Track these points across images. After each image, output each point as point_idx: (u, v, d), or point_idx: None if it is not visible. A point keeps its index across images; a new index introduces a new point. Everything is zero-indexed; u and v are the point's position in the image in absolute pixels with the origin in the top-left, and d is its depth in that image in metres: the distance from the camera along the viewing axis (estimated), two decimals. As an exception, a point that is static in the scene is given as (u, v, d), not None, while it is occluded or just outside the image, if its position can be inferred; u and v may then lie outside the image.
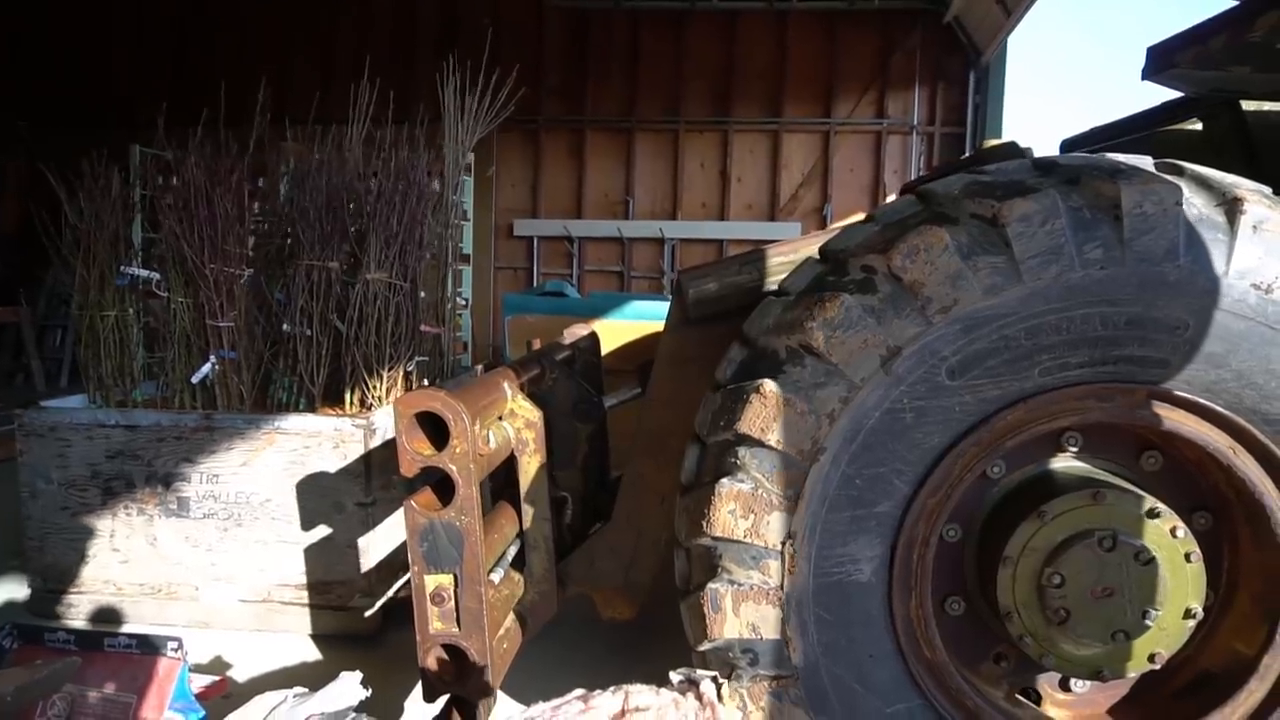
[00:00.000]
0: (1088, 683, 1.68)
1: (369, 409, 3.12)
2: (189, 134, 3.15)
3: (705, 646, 1.60)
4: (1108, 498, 1.54)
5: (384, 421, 2.95)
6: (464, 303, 4.08)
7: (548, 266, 8.20)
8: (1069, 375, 1.51)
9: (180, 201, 3.01)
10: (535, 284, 7.89)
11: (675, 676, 1.38)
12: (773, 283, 2.12)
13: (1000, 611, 1.57)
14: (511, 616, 2.06)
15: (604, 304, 5.64)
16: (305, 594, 2.87)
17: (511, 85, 3.63)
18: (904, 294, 1.48)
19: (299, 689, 1.70)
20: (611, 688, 1.32)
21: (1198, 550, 1.55)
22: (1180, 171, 1.52)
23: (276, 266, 3.34)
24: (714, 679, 1.34)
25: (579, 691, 1.32)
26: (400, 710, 2.37)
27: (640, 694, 1.28)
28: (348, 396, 3.16)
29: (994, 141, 3.45)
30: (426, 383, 3.47)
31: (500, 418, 2.03)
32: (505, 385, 2.06)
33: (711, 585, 1.55)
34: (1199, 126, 2.21)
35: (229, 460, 2.88)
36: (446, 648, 1.84)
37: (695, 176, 7.96)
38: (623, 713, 1.25)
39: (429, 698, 1.85)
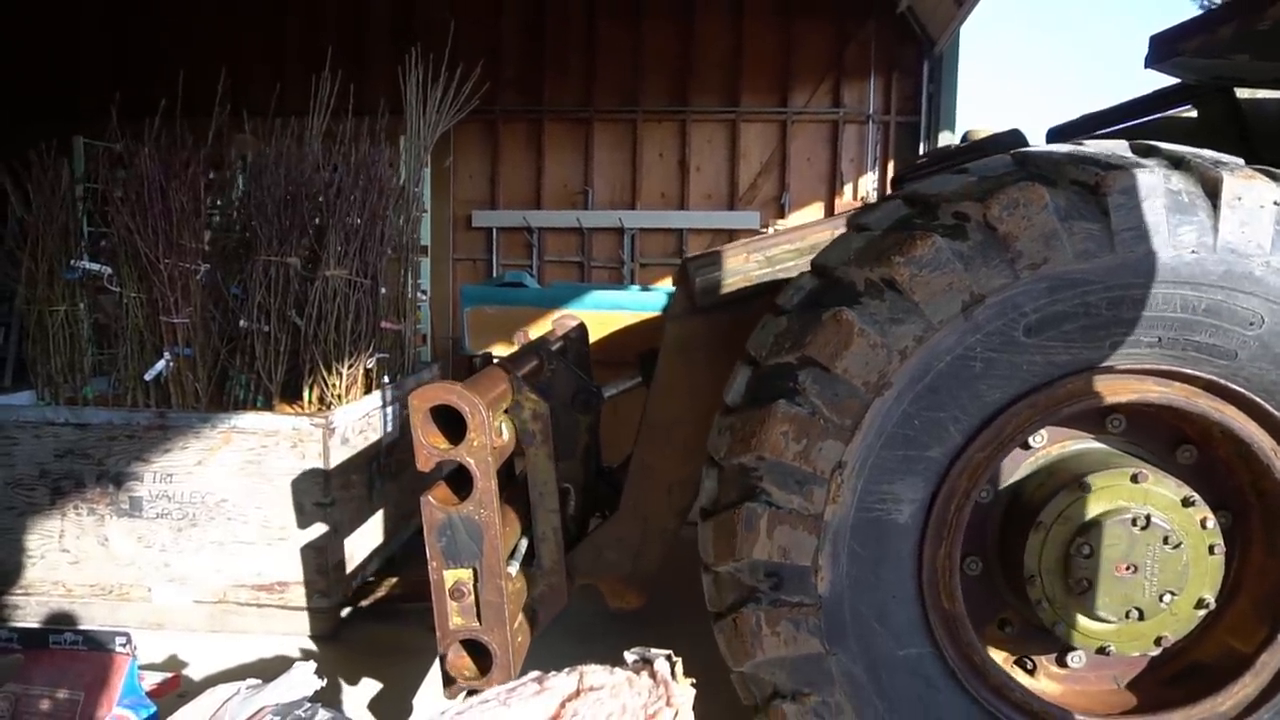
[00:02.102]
0: (1083, 659, 1.70)
1: (328, 407, 3.07)
2: (139, 125, 3.08)
3: (726, 566, 1.58)
4: (1148, 479, 1.57)
5: (343, 420, 2.91)
6: (424, 296, 4.04)
7: (507, 257, 8.15)
8: (1137, 353, 1.52)
9: (133, 194, 2.94)
10: (495, 275, 7.84)
11: (630, 656, 1.37)
12: (780, 271, 2.12)
13: (1023, 574, 1.59)
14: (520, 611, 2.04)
15: (565, 294, 5.63)
16: (262, 595, 2.81)
17: (472, 78, 3.60)
18: (996, 244, 1.48)
19: (252, 681, 1.67)
20: (566, 669, 1.31)
21: (1222, 544, 1.58)
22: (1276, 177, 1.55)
23: (234, 262, 3.28)
24: (668, 657, 1.34)
25: (534, 674, 1.31)
26: (357, 705, 2.34)
27: (595, 674, 1.27)
28: (306, 394, 3.12)
29: (981, 130, 3.48)
30: (387, 380, 3.43)
31: (505, 410, 2.01)
32: (510, 377, 2.04)
33: (749, 504, 1.54)
34: (1193, 114, 2.23)
35: (183, 459, 2.82)
36: (466, 642, 1.81)
37: (654, 166, 7.98)
38: (577, 693, 1.25)
39: (450, 694, 1.83)
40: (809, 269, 1.71)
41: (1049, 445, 1.67)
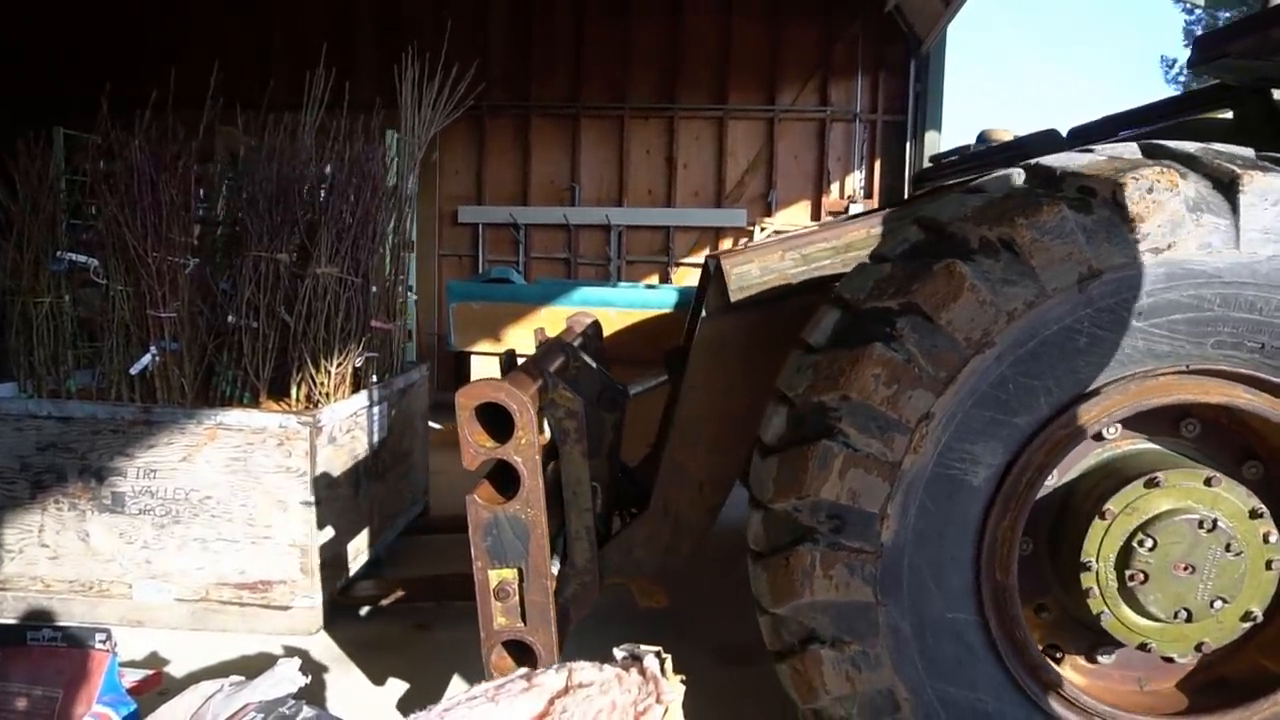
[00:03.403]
0: (1112, 656, 1.69)
1: (316, 405, 3.05)
2: (126, 119, 3.05)
3: (786, 503, 1.56)
4: (1221, 484, 1.57)
5: (331, 418, 2.88)
6: (413, 296, 4.02)
7: (493, 254, 8.13)
8: (1237, 356, 1.52)
9: (122, 187, 2.91)
10: (481, 271, 7.81)
11: (619, 652, 1.35)
12: (815, 269, 2.12)
13: (1078, 560, 1.58)
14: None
15: (551, 291, 5.62)
16: (245, 593, 2.78)
17: (465, 76, 3.59)
18: (1121, 223, 1.47)
19: (235, 677, 1.65)
20: (555, 665, 1.29)
21: None
22: None
23: (223, 256, 3.25)
24: (658, 654, 1.32)
25: (522, 670, 1.29)
26: (341, 703, 2.31)
27: (583, 670, 1.26)
28: (294, 392, 3.09)
29: (998, 131, 3.48)
30: (375, 379, 3.41)
31: (540, 407, 2.00)
32: (544, 375, 2.03)
33: (825, 442, 1.52)
34: (1228, 115, 2.23)
35: (168, 455, 2.78)
36: (509, 643, 1.79)
37: (641, 163, 7.98)
38: (566, 690, 1.23)
39: None
40: (914, 223, 1.69)
41: (1120, 439, 1.67)
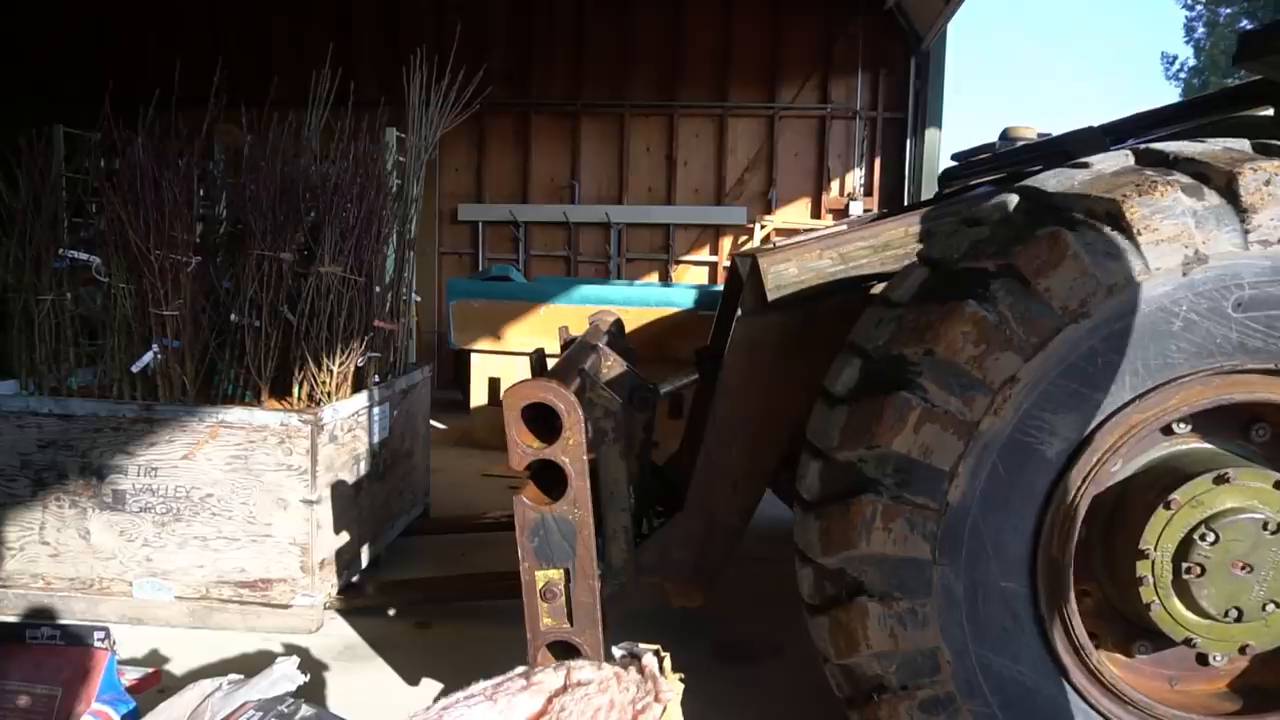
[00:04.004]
0: (1148, 649, 1.69)
1: (317, 403, 3.04)
2: (128, 116, 3.05)
3: (852, 453, 1.56)
4: None
5: (332, 417, 2.88)
6: (417, 299, 4.02)
7: (493, 252, 8.14)
8: None
9: (125, 184, 2.91)
10: (481, 269, 7.81)
11: (618, 651, 1.35)
12: (853, 268, 2.12)
13: (1137, 546, 1.57)
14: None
15: (550, 289, 5.62)
16: (245, 591, 2.78)
17: (473, 80, 3.59)
18: (1232, 211, 1.46)
19: (234, 676, 1.64)
20: (554, 664, 1.29)
21: None
22: None
23: (226, 255, 3.25)
24: (656, 652, 1.32)
25: (521, 669, 1.29)
26: (340, 702, 2.30)
27: (582, 669, 1.25)
28: (295, 390, 3.09)
29: (1021, 129, 3.44)
30: (377, 378, 3.41)
31: None
32: (583, 374, 2.02)
33: (903, 394, 1.51)
34: (1269, 112, 2.20)
35: (169, 453, 2.78)
36: (555, 644, 1.79)
37: (641, 160, 7.98)
38: (565, 688, 1.23)
39: None
40: (1014, 191, 1.69)
41: (1187, 436, 1.66)
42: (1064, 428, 1.52)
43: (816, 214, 7.81)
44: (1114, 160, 1.65)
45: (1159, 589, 1.58)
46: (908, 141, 7.61)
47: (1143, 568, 1.57)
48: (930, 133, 7.45)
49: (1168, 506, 1.56)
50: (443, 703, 1.26)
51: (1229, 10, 18.51)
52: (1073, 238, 1.47)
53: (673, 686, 1.26)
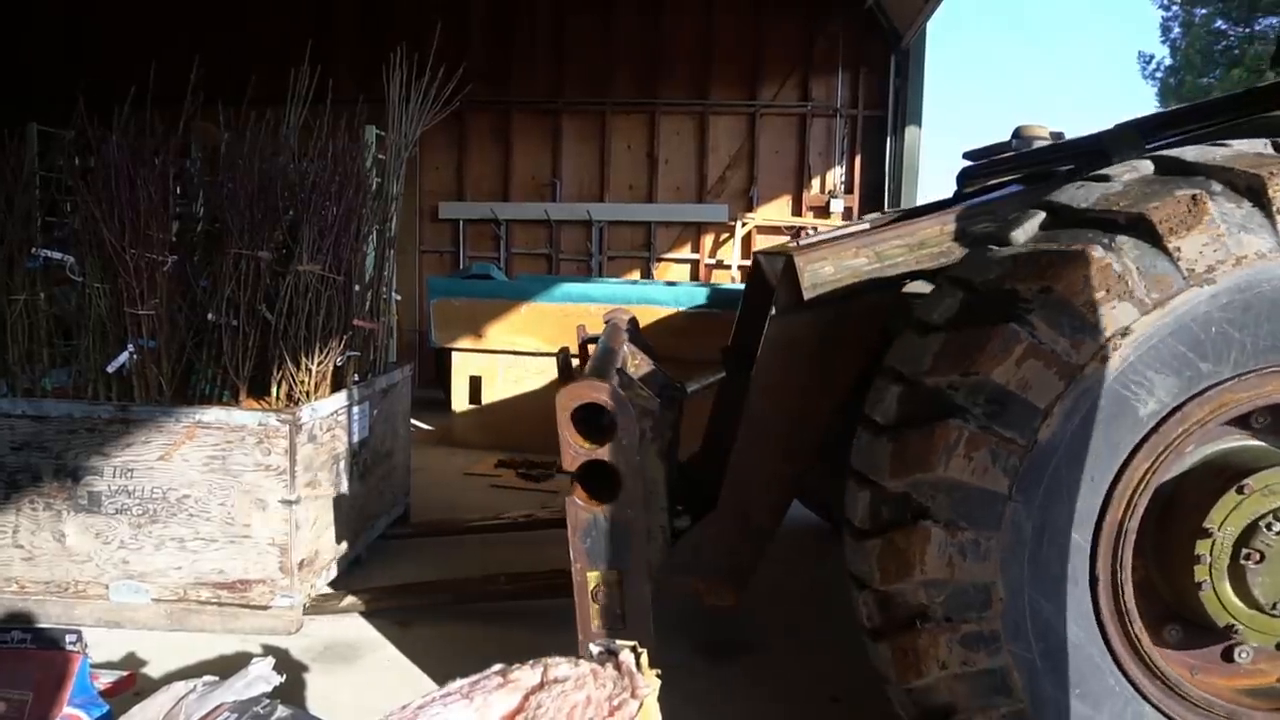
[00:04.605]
0: (1178, 634, 1.69)
1: (296, 403, 3.02)
2: (104, 114, 3.01)
3: (944, 379, 1.56)
4: None
5: (311, 417, 2.86)
6: (397, 298, 3.99)
7: (474, 250, 8.11)
8: None
9: (99, 183, 2.88)
10: (462, 267, 7.78)
11: (594, 647, 1.35)
12: (888, 267, 2.11)
13: (1200, 525, 1.58)
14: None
15: (532, 287, 5.61)
16: (223, 593, 2.76)
17: (453, 78, 3.57)
18: None
19: (209, 678, 1.63)
20: (530, 661, 1.29)
21: None
22: None
23: (203, 253, 3.22)
24: (634, 648, 1.32)
25: (497, 666, 1.28)
26: (319, 703, 2.29)
27: (559, 666, 1.25)
28: (274, 390, 3.06)
29: (1034, 127, 3.43)
30: (357, 378, 3.39)
31: None
32: (620, 372, 2.01)
33: (1013, 326, 1.51)
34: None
35: (145, 454, 2.76)
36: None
37: (622, 158, 7.98)
38: (541, 685, 1.22)
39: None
40: (1147, 158, 1.69)
41: (1265, 432, 1.66)
42: (1163, 390, 1.52)
43: (798, 211, 7.84)
44: (1249, 144, 1.66)
45: (1213, 569, 1.58)
46: (888, 139, 7.64)
47: (1202, 546, 1.58)
48: (910, 130, 7.48)
49: (1240, 490, 1.56)
50: (418, 701, 1.25)
51: (1204, 10, 18.71)
52: (1212, 204, 1.48)
53: (650, 683, 1.26)
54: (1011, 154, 3.18)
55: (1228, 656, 1.67)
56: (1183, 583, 1.62)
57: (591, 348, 3.08)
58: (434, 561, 3.43)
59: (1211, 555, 1.58)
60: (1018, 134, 3.43)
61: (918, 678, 1.60)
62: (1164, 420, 1.55)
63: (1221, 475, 1.62)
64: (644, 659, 1.30)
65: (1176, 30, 19.22)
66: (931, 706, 1.64)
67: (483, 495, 4.47)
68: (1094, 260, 1.49)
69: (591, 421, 1.74)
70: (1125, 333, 1.49)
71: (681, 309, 5.10)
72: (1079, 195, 1.64)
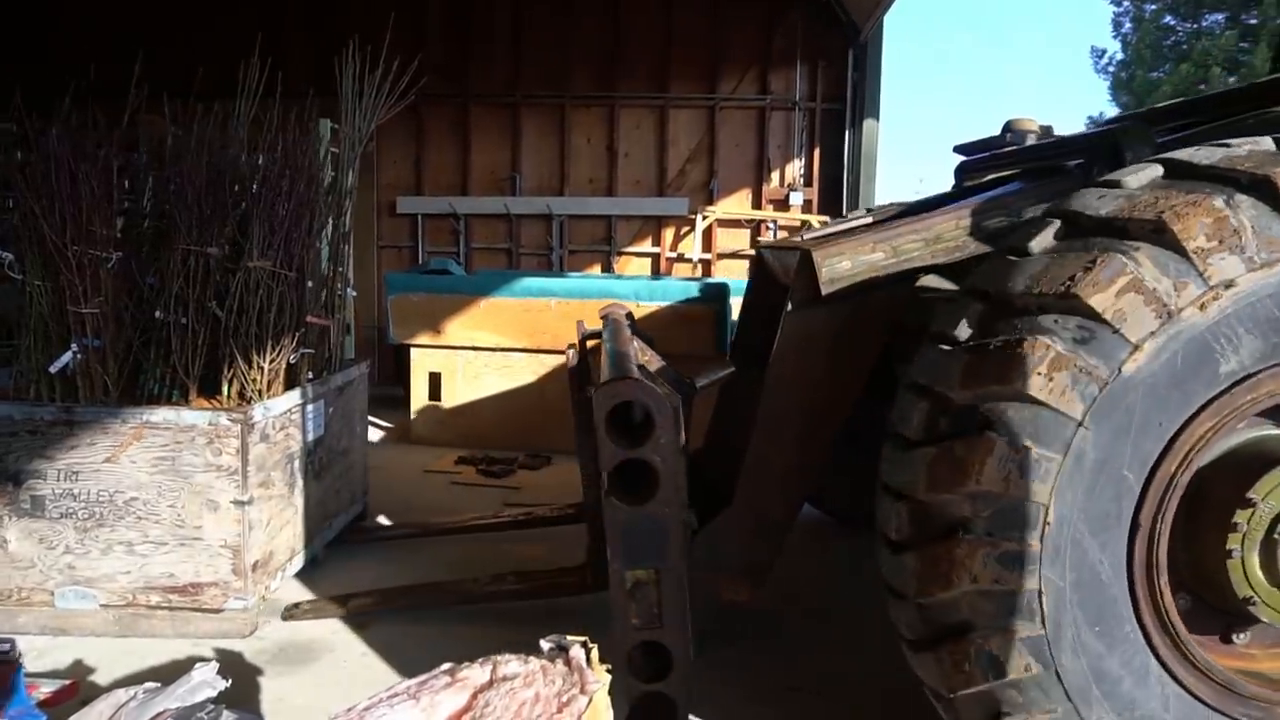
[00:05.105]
0: (1187, 603, 1.70)
1: (248, 402, 2.97)
2: (41, 108, 2.92)
3: (1040, 301, 1.55)
4: None
5: (264, 416, 2.81)
6: (353, 293, 3.94)
7: (433, 245, 8.03)
8: None
9: (38, 177, 2.79)
10: (420, 263, 7.70)
11: (545, 644, 1.34)
12: (904, 261, 2.11)
13: (1244, 494, 1.60)
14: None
15: (491, 282, 5.57)
16: (174, 597, 2.70)
17: (408, 70, 3.52)
18: None
19: (150, 684, 1.59)
20: (480, 659, 1.27)
21: None
22: None
23: (150, 250, 3.14)
24: (584, 644, 1.31)
25: (446, 666, 1.27)
26: (272, 706, 2.25)
27: (508, 663, 1.24)
28: (225, 389, 3.00)
29: (1024, 121, 3.44)
30: (311, 375, 3.33)
31: None
32: (643, 370, 1.98)
33: (1120, 257, 1.51)
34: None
35: (91, 456, 2.69)
36: (645, 645, 1.77)
37: (582, 152, 7.94)
38: (490, 683, 1.21)
39: (628, 697, 1.76)
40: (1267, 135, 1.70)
41: None
42: (1247, 352, 1.53)
43: (758, 204, 7.86)
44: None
45: (1246, 539, 1.60)
46: (846, 132, 7.69)
47: (1241, 515, 1.60)
48: (869, 123, 7.54)
49: None
50: (364, 703, 1.23)
51: (1154, 6, 19.09)
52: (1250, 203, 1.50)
53: (600, 678, 1.25)
54: (1013, 148, 3.19)
55: (1227, 640, 1.69)
56: (1212, 549, 1.63)
57: (592, 343, 3.06)
58: (396, 561, 3.39)
59: (1248, 525, 1.60)
60: (1009, 128, 3.46)
61: (943, 590, 1.58)
62: (1239, 382, 1.55)
63: (1271, 454, 1.64)
64: (595, 654, 1.30)
65: (1128, 25, 19.58)
66: (944, 624, 1.61)
67: (443, 492, 4.43)
68: (1213, 210, 1.50)
69: (620, 420, 1.72)
70: (1229, 285, 1.50)
71: (642, 303, 5.09)
72: (1200, 155, 1.65)
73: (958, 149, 3.55)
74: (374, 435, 4.07)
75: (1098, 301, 1.50)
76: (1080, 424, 1.51)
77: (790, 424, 2.21)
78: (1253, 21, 16.80)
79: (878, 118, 7.57)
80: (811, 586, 3.25)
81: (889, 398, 1.83)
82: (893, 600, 1.73)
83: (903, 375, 1.80)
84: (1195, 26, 18.23)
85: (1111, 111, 19.41)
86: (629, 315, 3.07)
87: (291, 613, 2.85)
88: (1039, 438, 1.51)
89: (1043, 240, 1.67)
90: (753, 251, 7.45)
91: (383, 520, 3.88)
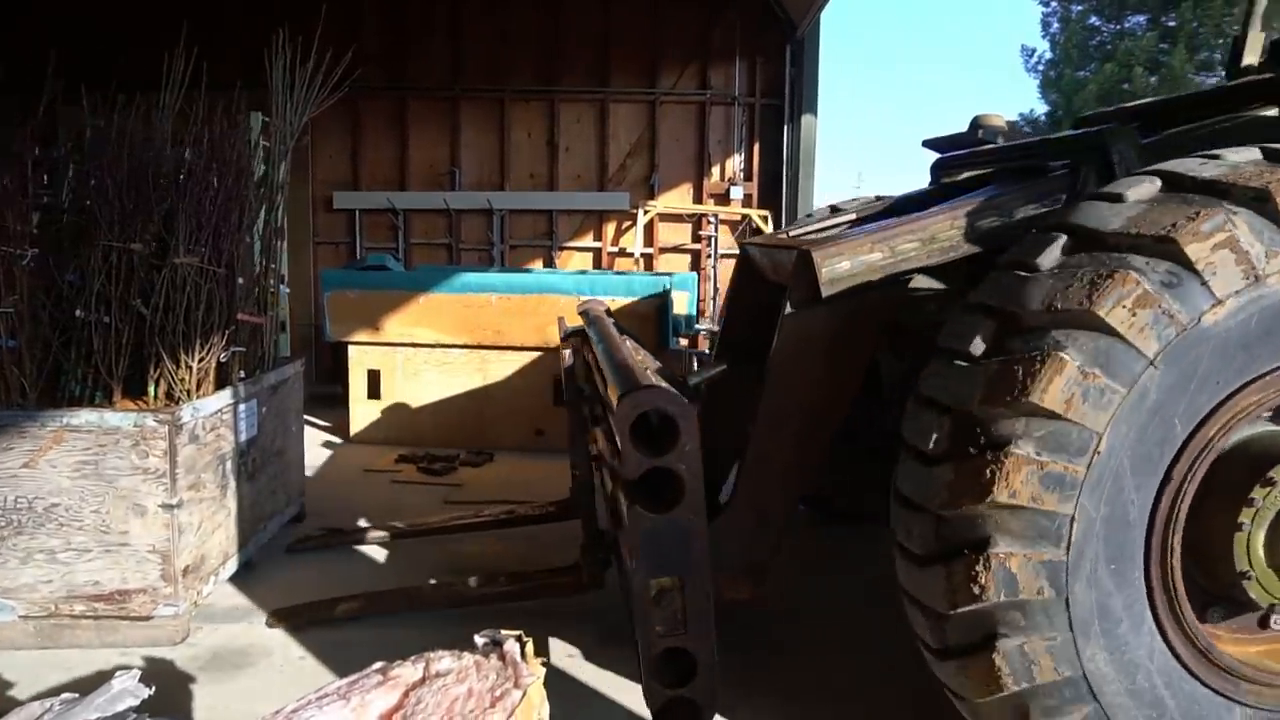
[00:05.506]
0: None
1: (176, 402, 2.88)
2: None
3: (1135, 241, 1.57)
4: None
5: (193, 416, 2.73)
6: (285, 289, 3.85)
7: (372, 240, 7.89)
8: None
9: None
10: (358, 258, 7.56)
11: (479, 639, 1.33)
12: (903, 262, 2.13)
13: (1265, 473, 1.64)
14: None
15: (429, 278, 5.49)
16: (100, 605, 2.61)
17: (341, 61, 3.45)
18: None
19: (67, 695, 1.52)
20: (413, 657, 1.26)
21: None
22: None
23: (70, 246, 3.02)
24: (518, 638, 1.30)
25: (378, 664, 1.25)
26: (204, 714, 2.20)
27: (441, 659, 1.23)
28: (151, 389, 2.91)
29: (991, 116, 3.46)
30: (243, 374, 3.25)
31: None
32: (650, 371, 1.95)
33: (1221, 214, 1.53)
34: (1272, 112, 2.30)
35: (7, 461, 2.57)
36: (669, 651, 1.75)
37: (523, 146, 7.89)
38: (423, 680, 1.20)
39: (653, 704, 1.75)
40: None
41: None
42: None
43: (698, 199, 7.90)
44: None
45: (1258, 517, 1.65)
46: (785, 127, 7.77)
47: (1259, 492, 1.64)
48: (807, 119, 7.63)
49: None
50: (292, 705, 1.21)
51: (1080, 7, 19.68)
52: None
53: (534, 672, 1.25)
54: (994, 146, 3.22)
55: (1203, 618, 1.73)
56: (1222, 521, 1.67)
57: (573, 341, 3.02)
58: (335, 564, 3.33)
59: (1263, 502, 1.65)
60: (979, 124, 3.48)
61: (976, 502, 1.57)
62: (1244, 386, 1.59)
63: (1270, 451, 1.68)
64: (529, 649, 1.29)
65: (1055, 25, 20.16)
66: (964, 539, 1.61)
67: (384, 491, 4.36)
68: (1132, 285, 1.53)
69: (638, 426, 1.71)
70: (1211, 306, 1.53)
71: (585, 298, 5.08)
72: (1106, 220, 1.70)
73: (928, 144, 3.56)
74: (312, 435, 3.98)
75: (1194, 250, 1.52)
76: (1151, 363, 1.54)
77: (790, 423, 2.24)
78: (1172, 24, 17.44)
79: (816, 113, 7.67)
80: (797, 583, 3.25)
81: (874, 395, 1.86)
82: (906, 512, 1.73)
83: (890, 374, 1.81)
84: (1119, 27, 18.86)
85: (1042, 109, 20.00)
86: (608, 310, 3.06)
87: (280, 618, 2.77)
88: (1109, 368, 1.53)
89: (1143, 193, 1.69)
90: (737, 250, 7.49)
91: (325, 524, 3.80)
